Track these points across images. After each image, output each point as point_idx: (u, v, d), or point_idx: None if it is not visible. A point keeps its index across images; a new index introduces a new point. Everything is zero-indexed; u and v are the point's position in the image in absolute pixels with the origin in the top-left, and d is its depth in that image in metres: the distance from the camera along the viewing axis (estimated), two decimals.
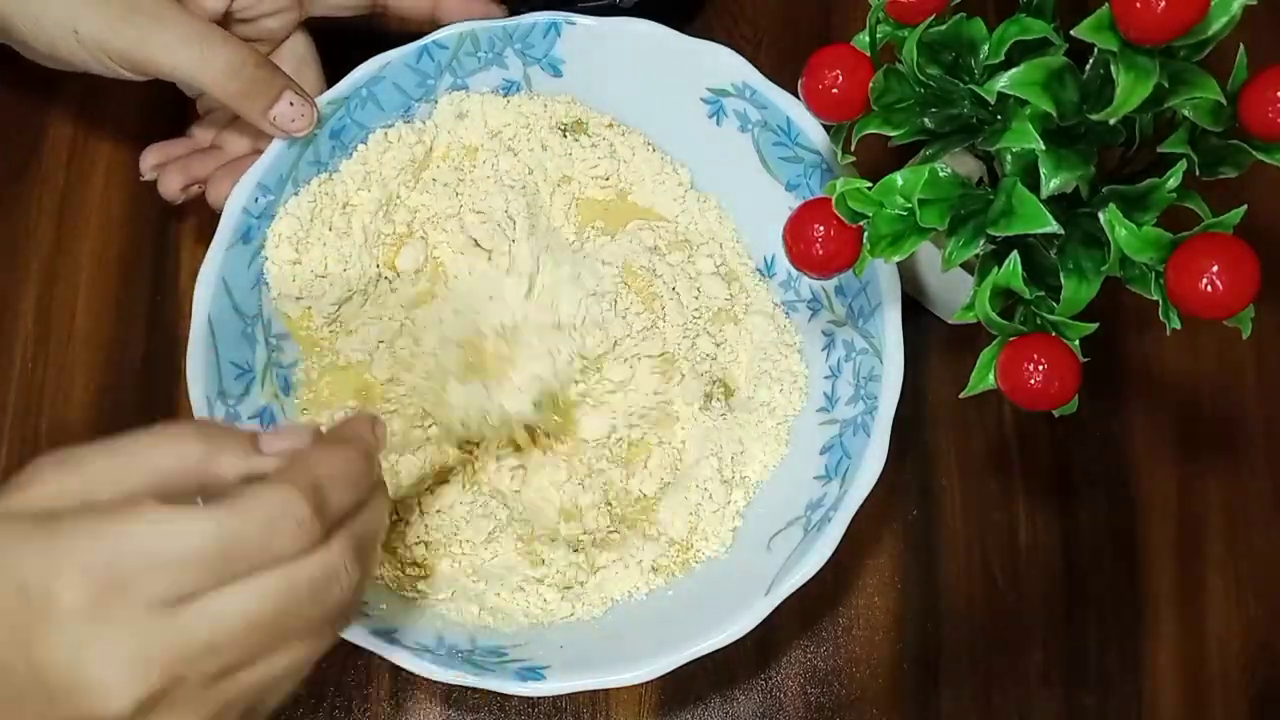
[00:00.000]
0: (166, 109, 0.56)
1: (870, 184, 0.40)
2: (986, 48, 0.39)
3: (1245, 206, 0.37)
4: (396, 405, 0.52)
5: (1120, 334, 0.57)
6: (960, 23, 0.39)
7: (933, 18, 0.39)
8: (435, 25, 0.52)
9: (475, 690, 0.51)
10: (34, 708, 0.29)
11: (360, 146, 0.52)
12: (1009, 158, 0.39)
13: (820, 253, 0.41)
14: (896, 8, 0.40)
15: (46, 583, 0.29)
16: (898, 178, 0.40)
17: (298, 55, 0.53)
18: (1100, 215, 0.38)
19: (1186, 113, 0.37)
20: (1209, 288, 0.35)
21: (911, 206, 0.39)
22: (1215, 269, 0.35)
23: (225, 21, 0.49)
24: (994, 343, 0.40)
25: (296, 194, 0.51)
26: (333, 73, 0.52)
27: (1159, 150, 0.39)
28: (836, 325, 0.51)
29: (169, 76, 0.47)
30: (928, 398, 0.56)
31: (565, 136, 0.54)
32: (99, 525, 0.29)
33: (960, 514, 0.55)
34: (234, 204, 0.48)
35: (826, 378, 0.51)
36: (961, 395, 0.40)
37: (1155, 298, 0.37)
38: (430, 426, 0.51)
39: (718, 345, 0.53)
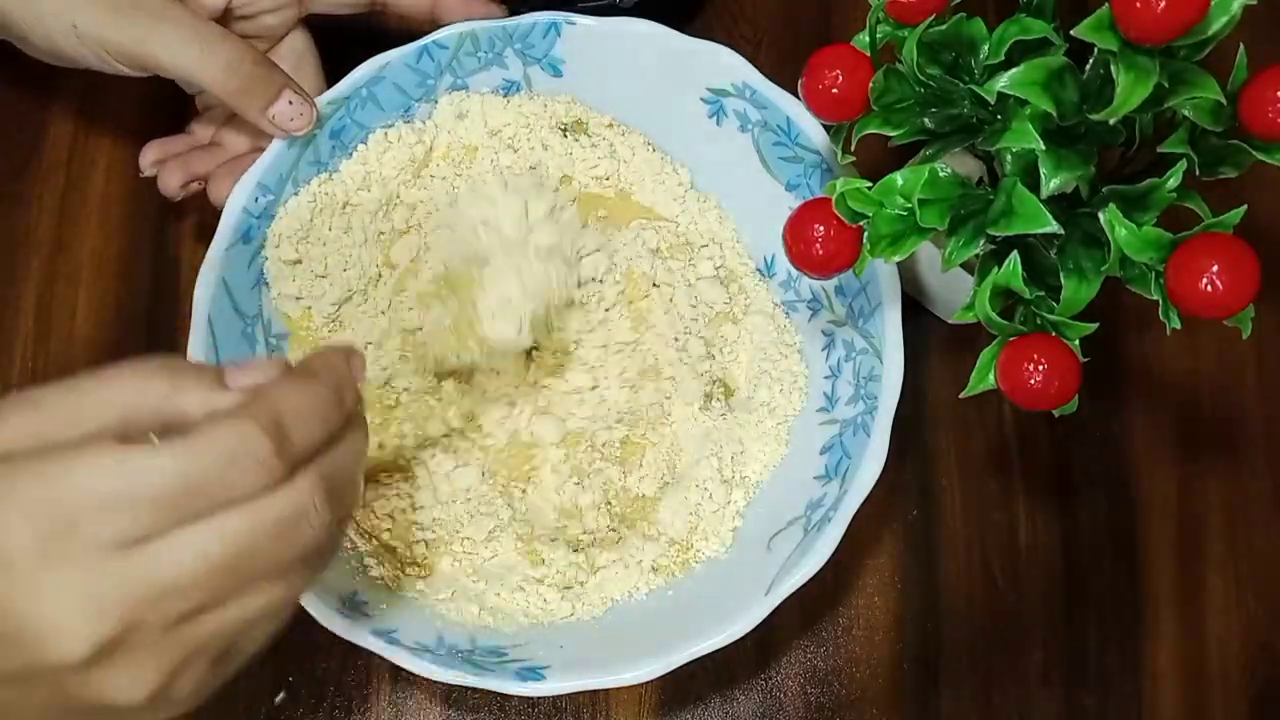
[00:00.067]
0: (166, 106, 0.56)
1: (870, 184, 0.40)
2: (986, 48, 0.39)
3: (1245, 206, 0.37)
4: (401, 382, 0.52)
5: (1120, 334, 0.57)
6: (960, 23, 0.39)
7: (933, 18, 0.39)
8: (435, 24, 0.52)
9: (475, 690, 0.51)
10: None
11: (360, 146, 0.52)
12: (1009, 158, 0.39)
13: (820, 253, 0.41)
14: (896, 8, 0.40)
15: None
16: (898, 178, 0.40)
17: (297, 52, 0.53)
18: (1100, 215, 0.38)
19: (1186, 113, 0.37)
20: (1209, 288, 0.35)
21: (911, 206, 0.39)
22: (1215, 269, 0.35)
23: (224, 19, 0.49)
24: (994, 343, 0.40)
25: (296, 194, 0.51)
26: (333, 72, 0.52)
27: (1159, 150, 0.39)
28: (836, 325, 0.51)
29: (168, 73, 0.47)
30: (928, 398, 0.56)
31: (565, 136, 0.54)
32: (47, 466, 0.28)
33: (960, 514, 0.55)
34: (234, 204, 0.49)
35: (826, 378, 0.51)
36: (961, 395, 0.40)
37: (1155, 298, 0.37)
38: (437, 395, 0.51)
39: (713, 348, 0.53)
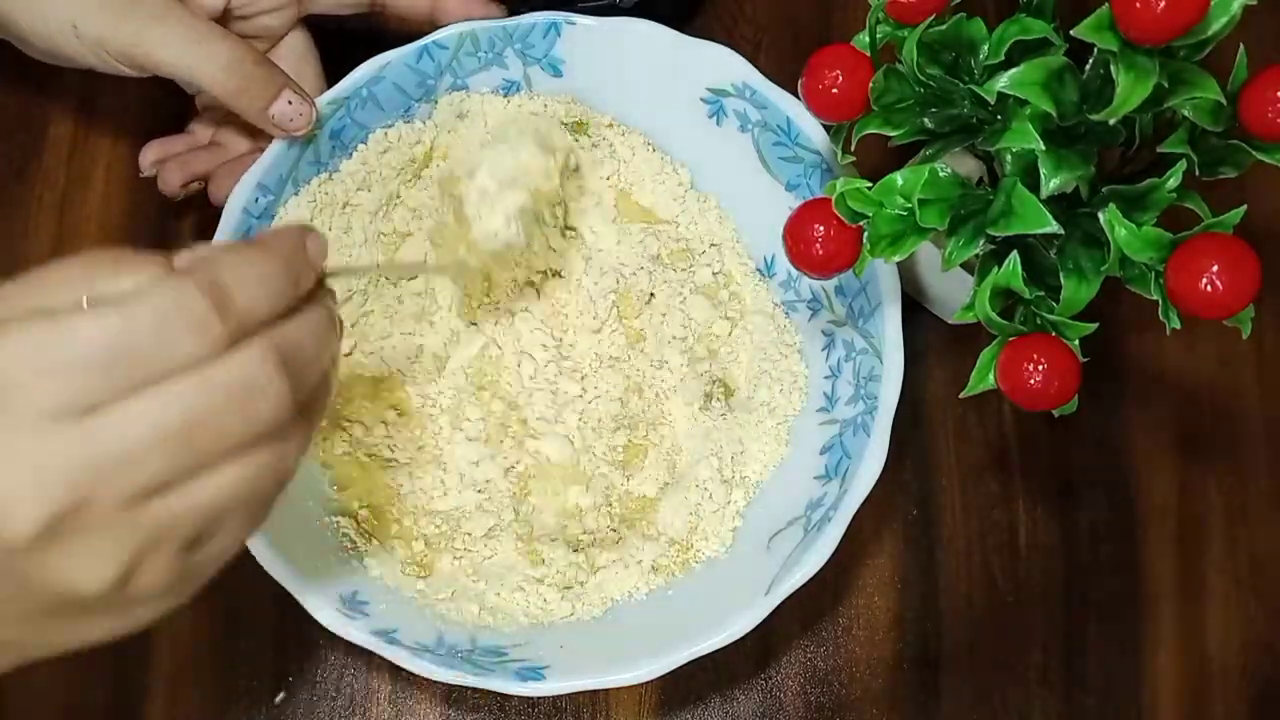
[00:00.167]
0: (167, 106, 0.56)
1: (870, 184, 0.40)
2: (986, 48, 0.39)
3: (1245, 206, 0.37)
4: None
5: (1120, 334, 0.57)
6: (960, 23, 0.39)
7: (933, 18, 0.39)
8: (434, 24, 0.52)
9: (475, 690, 0.51)
10: None
11: (360, 146, 0.52)
12: (1009, 158, 0.39)
13: (820, 253, 0.41)
14: (896, 8, 0.40)
15: None
16: (898, 178, 0.40)
17: (297, 52, 0.53)
18: (1100, 215, 0.38)
19: (1186, 113, 0.37)
20: (1209, 288, 0.35)
21: (911, 206, 0.39)
22: (1215, 269, 0.35)
23: (224, 19, 0.49)
24: (994, 343, 0.40)
25: (296, 194, 0.51)
26: (333, 72, 0.52)
27: (1159, 150, 0.39)
28: (836, 325, 0.51)
29: (168, 73, 0.47)
30: (928, 398, 0.56)
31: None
32: None
33: (960, 514, 0.55)
34: (234, 204, 0.48)
35: (826, 378, 0.51)
36: (961, 395, 0.40)
37: (1155, 298, 0.37)
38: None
39: (713, 348, 0.53)
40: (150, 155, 0.53)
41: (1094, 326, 0.38)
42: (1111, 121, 0.36)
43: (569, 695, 0.49)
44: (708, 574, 0.50)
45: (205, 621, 0.52)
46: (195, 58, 0.46)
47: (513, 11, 0.53)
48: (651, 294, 0.54)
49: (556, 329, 0.53)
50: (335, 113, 0.50)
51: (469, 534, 0.50)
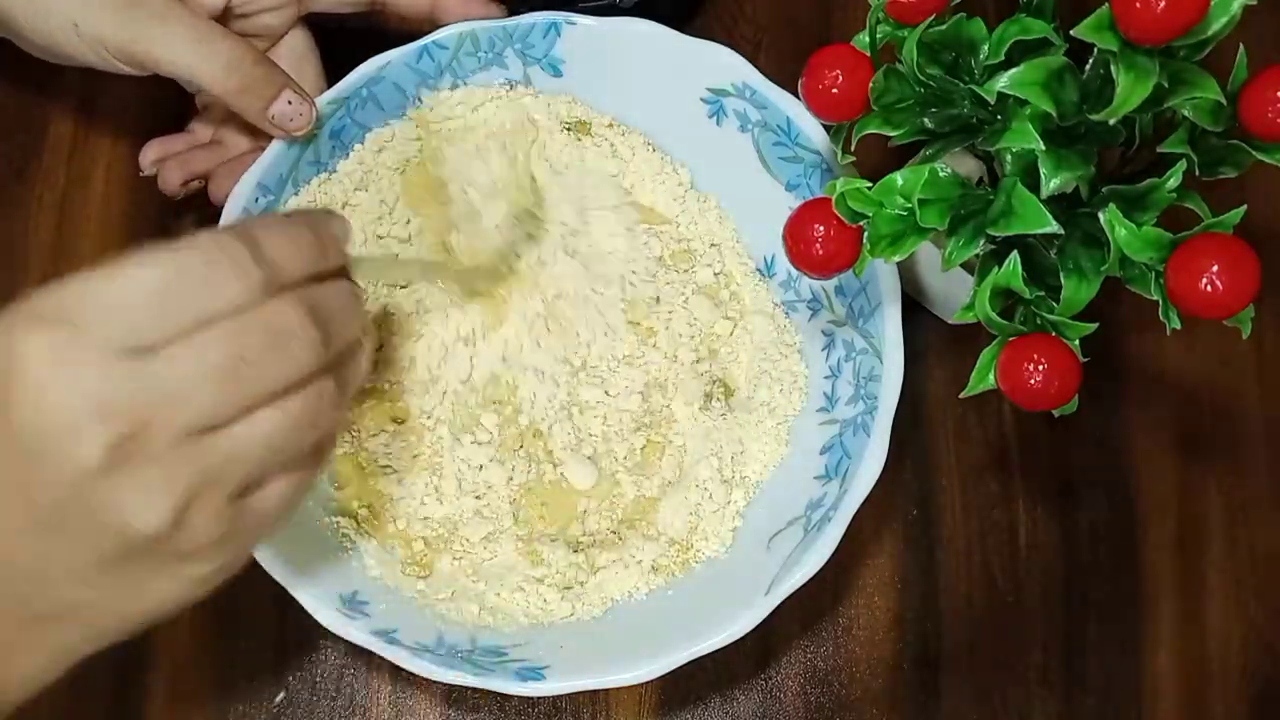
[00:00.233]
0: (167, 105, 0.56)
1: (870, 184, 0.40)
2: (986, 48, 0.39)
3: (1245, 206, 0.37)
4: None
5: (1120, 334, 0.57)
6: (960, 23, 0.39)
7: (933, 18, 0.39)
8: (434, 24, 0.52)
9: (475, 690, 0.51)
10: (15, 479, 0.30)
11: (357, 146, 0.52)
12: (1009, 158, 0.39)
13: (820, 253, 0.41)
14: (896, 8, 0.40)
15: (10, 340, 0.29)
16: (898, 178, 0.40)
17: (297, 51, 0.53)
18: (1100, 215, 0.38)
19: (1186, 113, 0.37)
20: (1209, 288, 0.35)
21: (911, 206, 0.39)
22: (1215, 269, 0.35)
23: (225, 17, 0.49)
24: (994, 343, 0.40)
25: (296, 194, 0.51)
26: (333, 72, 0.52)
27: (1159, 150, 0.39)
28: (836, 325, 0.51)
29: (168, 72, 0.47)
30: (928, 398, 0.56)
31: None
32: (52, 284, 0.30)
33: (960, 514, 0.55)
34: (234, 204, 0.48)
35: (826, 378, 0.51)
36: (961, 395, 0.40)
37: (1155, 298, 0.37)
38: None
39: (713, 348, 0.53)
40: (150, 154, 0.53)
41: (1094, 326, 0.38)
42: (1111, 121, 0.36)
43: (569, 695, 0.49)
44: (708, 574, 0.50)
45: (205, 621, 0.52)
46: (196, 57, 0.46)
47: (513, 11, 0.53)
48: (657, 298, 0.54)
49: (570, 344, 0.53)
50: (335, 113, 0.50)
51: (466, 539, 0.50)
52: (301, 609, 0.45)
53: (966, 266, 0.42)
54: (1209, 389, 0.57)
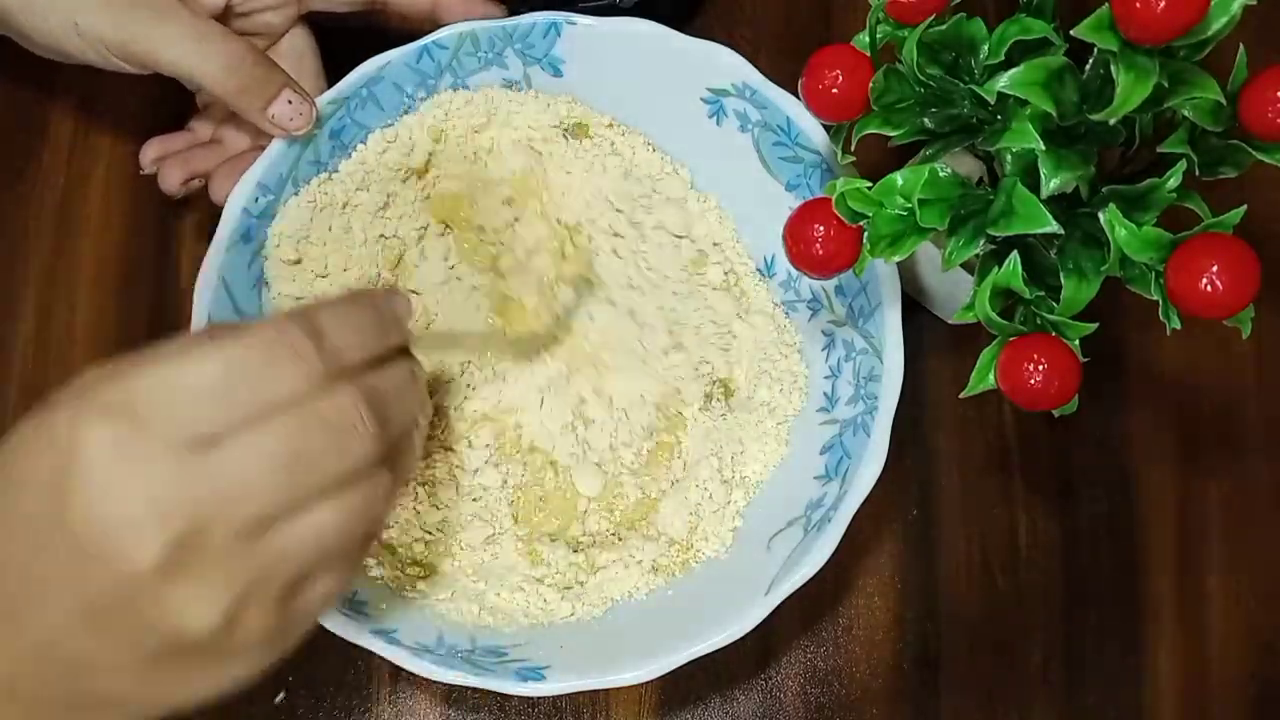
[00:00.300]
0: (167, 105, 0.56)
1: (870, 184, 0.40)
2: (986, 48, 0.39)
3: (1245, 206, 0.37)
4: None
5: (1120, 334, 0.57)
6: (960, 23, 0.39)
7: (933, 18, 0.39)
8: (435, 24, 0.52)
9: (475, 690, 0.51)
10: (66, 573, 0.29)
11: (360, 146, 0.52)
12: (1009, 158, 0.39)
13: (820, 253, 0.41)
14: (896, 8, 0.40)
15: (72, 432, 0.29)
16: (898, 178, 0.40)
17: (297, 50, 0.53)
18: (1100, 215, 0.38)
19: (1186, 113, 0.37)
20: (1209, 288, 0.35)
21: (911, 206, 0.39)
22: (1215, 269, 0.35)
23: (225, 16, 0.49)
24: (994, 343, 0.40)
25: (297, 194, 0.51)
26: (333, 72, 0.52)
27: (1159, 150, 0.39)
28: (836, 325, 0.51)
29: (168, 71, 0.47)
30: (928, 398, 0.56)
31: (567, 139, 0.54)
32: (118, 370, 0.30)
33: (960, 514, 0.55)
34: (234, 204, 0.48)
35: (826, 378, 0.51)
36: (961, 395, 0.40)
37: (1155, 298, 0.37)
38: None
39: (723, 350, 0.53)
40: (150, 153, 0.53)
41: (1094, 326, 0.38)
42: (1111, 121, 0.36)
43: (569, 695, 0.49)
44: (708, 574, 0.50)
45: None
46: (196, 56, 0.46)
47: (513, 11, 0.53)
48: (693, 312, 0.54)
49: (593, 379, 0.53)
50: (335, 112, 0.50)
51: (467, 544, 0.50)
52: None
53: (966, 266, 0.42)
54: (1209, 389, 0.57)
